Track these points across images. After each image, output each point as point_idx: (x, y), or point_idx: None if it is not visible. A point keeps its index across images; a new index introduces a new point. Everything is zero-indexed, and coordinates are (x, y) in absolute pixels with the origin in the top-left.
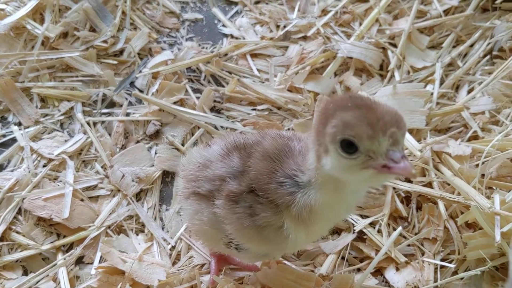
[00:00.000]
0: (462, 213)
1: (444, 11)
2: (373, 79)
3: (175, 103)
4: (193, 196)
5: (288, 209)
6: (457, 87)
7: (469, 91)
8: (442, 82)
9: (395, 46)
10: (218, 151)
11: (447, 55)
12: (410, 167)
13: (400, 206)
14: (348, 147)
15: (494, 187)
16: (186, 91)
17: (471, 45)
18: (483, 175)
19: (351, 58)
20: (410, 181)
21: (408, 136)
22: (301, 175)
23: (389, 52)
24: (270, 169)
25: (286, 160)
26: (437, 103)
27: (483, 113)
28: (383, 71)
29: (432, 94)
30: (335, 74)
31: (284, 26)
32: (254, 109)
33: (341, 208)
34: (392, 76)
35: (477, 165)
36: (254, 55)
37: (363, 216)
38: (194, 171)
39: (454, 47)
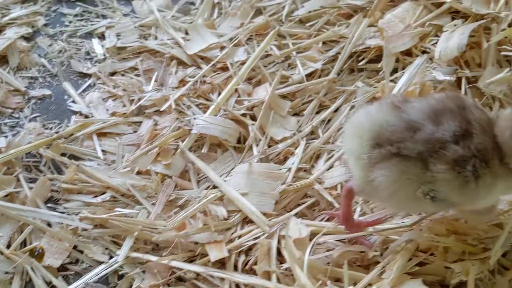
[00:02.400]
0: None
1: (307, 75)
2: (228, 155)
3: (5, 197)
4: (397, 157)
5: (504, 178)
6: (317, 157)
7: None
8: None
9: (254, 117)
10: (426, 115)
11: (310, 122)
12: None
13: None
14: None
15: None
16: (18, 181)
17: (336, 110)
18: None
19: None
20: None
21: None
22: None
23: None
24: (493, 146)
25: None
26: (294, 178)
27: (335, 187)
28: (242, 144)
29: (290, 169)
30: (190, 150)
31: (139, 100)
32: (96, 197)
33: None
34: (250, 149)
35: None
36: (102, 134)
37: None
38: (400, 133)
39: (317, 112)
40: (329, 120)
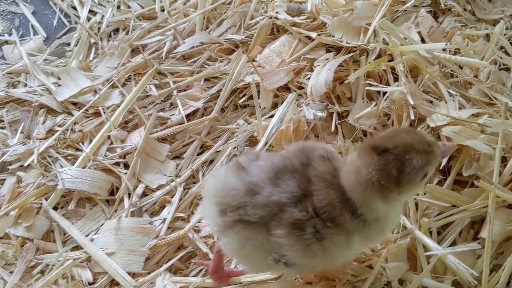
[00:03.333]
0: None
1: (189, 114)
2: (98, 209)
3: None
4: (240, 223)
5: (359, 232)
6: (197, 204)
7: None
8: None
9: (127, 165)
10: (266, 175)
11: (191, 164)
12: (452, 145)
13: None
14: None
15: None
16: None
17: (218, 151)
18: None
19: None
20: None
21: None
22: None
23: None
24: (339, 199)
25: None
26: (171, 228)
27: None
28: (114, 196)
29: (164, 221)
30: (56, 208)
31: (2, 155)
32: None
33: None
34: (122, 202)
35: None
36: None
37: None
38: (239, 198)
39: (200, 154)
40: (212, 161)
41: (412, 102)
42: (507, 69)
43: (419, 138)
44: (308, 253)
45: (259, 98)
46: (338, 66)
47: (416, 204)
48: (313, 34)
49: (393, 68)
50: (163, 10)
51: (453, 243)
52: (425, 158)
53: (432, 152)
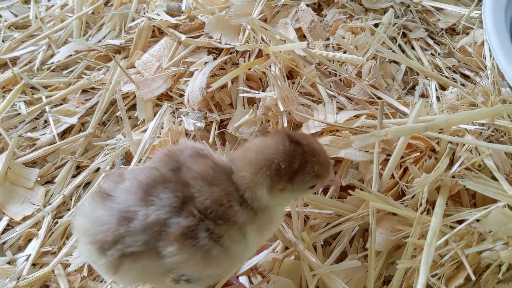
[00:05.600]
0: None
1: (63, 132)
2: None
3: None
4: (126, 258)
5: (251, 223)
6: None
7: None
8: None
9: None
10: (135, 197)
11: (64, 189)
12: (339, 180)
13: None
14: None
15: None
16: None
17: (97, 170)
18: None
19: None
20: None
21: None
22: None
23: None
24: (224, 192)
25: (228, 179)
26: (37, 265)
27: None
28: None
29: (28, 258)
30: None
31: None
32: None
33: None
34: None
35: None
36: None
37: None
38: (113, 231)
39: (75, 176)
40: (88, 184)
41: (282, 109)
42: (398, 62)
43: (325, 153)
44: (210, 260)
45: (136, 109)
46: (219, 70)
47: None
48: (183, 37)
49: None
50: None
51: (344, 255)
52: (322, 171)
53: (328, 171)
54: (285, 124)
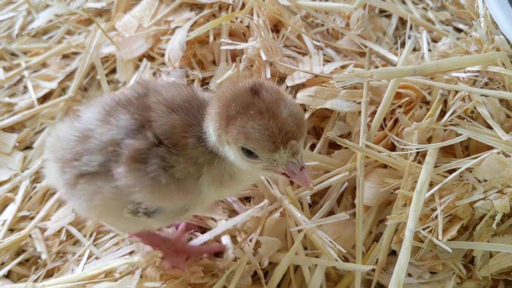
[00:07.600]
0: None
1: (43, 97)
2: None
3: None
4: (82, 178)
5: (209, 166)
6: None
7: None
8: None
9: None
10: (96, 117)
11: (42, 156)
12: (308, 180)
13: None
14: (250, 153)
15: None
16: None
17: None
18: None
19: None
20: None
21: None
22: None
23: None
24: (185, 122)
25: (201, 112)
26: (14, 230)
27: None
28: None
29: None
30: None
31: None
32: None
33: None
34: None
35: None
36: None
37: None
38: (72, 148)
39: None
40: None
41: (264, 58)
42: (389, 16)
43: (286, 124)
44: (159, 189)
45: (116, 71)
46: (200, 26)
47: None
48: None
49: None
50: None
51: (332, 213)
52: (259, 136)
53: (270, 142)
54: (268, 76)
